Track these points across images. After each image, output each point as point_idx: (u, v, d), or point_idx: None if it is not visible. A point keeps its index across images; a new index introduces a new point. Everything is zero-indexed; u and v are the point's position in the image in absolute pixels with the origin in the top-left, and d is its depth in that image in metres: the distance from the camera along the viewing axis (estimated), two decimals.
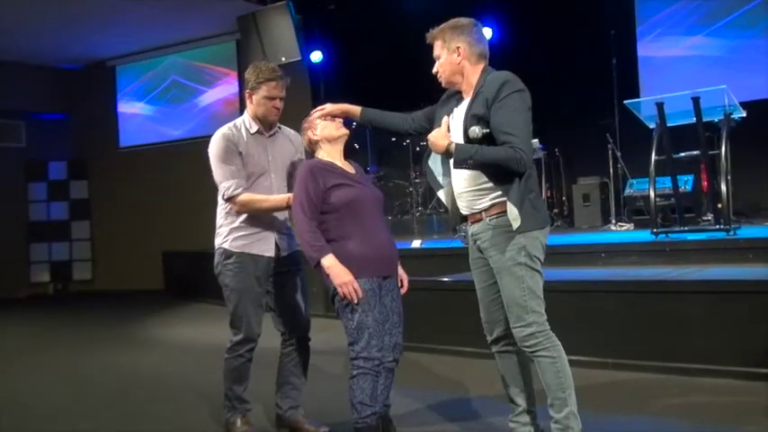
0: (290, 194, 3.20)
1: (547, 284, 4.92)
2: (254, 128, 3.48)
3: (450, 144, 2.82)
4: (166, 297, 10.11)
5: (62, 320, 9.21)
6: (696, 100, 5.62)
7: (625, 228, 7.59)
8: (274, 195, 3.37)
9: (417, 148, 10.32)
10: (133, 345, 6.32)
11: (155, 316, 8.33)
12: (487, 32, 9.66)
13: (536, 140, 8.55)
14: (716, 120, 5.88)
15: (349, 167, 3.16)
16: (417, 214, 9.89)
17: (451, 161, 2.86)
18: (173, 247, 10.77)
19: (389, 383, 3.07)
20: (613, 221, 7.84)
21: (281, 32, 9.74)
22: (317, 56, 10.41)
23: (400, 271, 3.21)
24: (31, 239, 12.78)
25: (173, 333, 5.47)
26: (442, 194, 3.17)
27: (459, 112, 2.97)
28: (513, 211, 2.77)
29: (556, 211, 9.04)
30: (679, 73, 8.41)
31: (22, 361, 6.21)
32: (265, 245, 3.43)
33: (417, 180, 10.16)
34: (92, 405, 3.91)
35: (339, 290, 2.89)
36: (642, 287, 4.64)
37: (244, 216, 3.40)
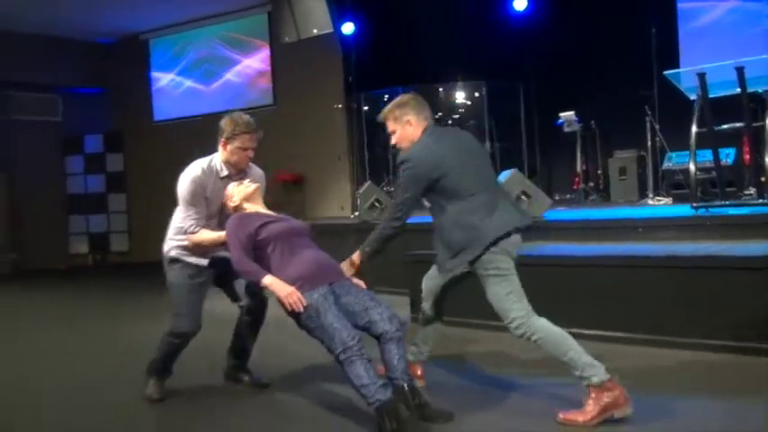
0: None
1: (582, 259, 4.90)
2: (225, 172, 3.76)
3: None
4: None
5: (100, 291, 9.41)
6: (740, 70, 5.43)
7: (663, 202, 7.44)
8: (216, 233, 3.66)
9: (449, 121, 10.20)
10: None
11: None
12: (522, 3, 9.48)
13: (571, 113, 8.40)
14: (760, 90, 5.68)
15: (270, 212, 3.63)
16: None
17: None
18: None
19: (402, 353, 3.20)
20: (651, 195, 7.68)
21: (313, 4, 9.67)
22: (348, 28, 10.32)
23: (354, 280, 3.47)
24: (69, 212, 13.03)
25: (207, 304, 5.56)
26: None
27: None
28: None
29: (591, 184, 8.89)
30: (721, 41, 8.13)
31: (63, 331, 6.36)
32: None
33: None
34: (132, 374, 3.98)
35: (285, 301, 3.16)
36: (682, 262, 4.53)
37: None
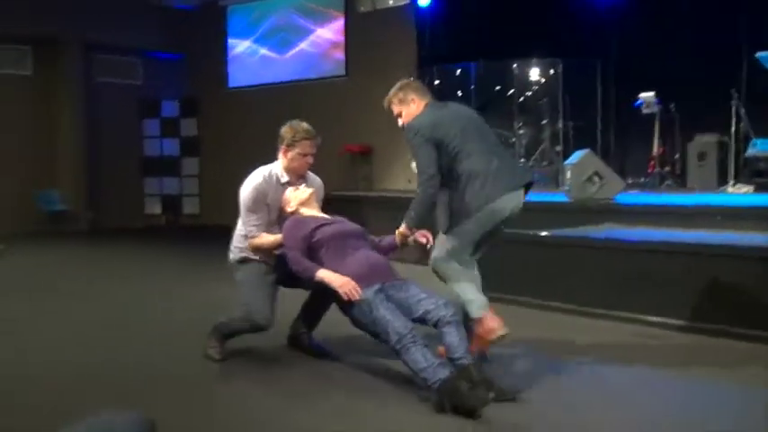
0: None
1: (654, 244, 4.76)
2: (285, 179, 3.91)
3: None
4: None
5: (173, 251, 9.72)
6: None
7: (744, 190, 7.12)
8: (275, 235, 3.80)
9: (522, 98, 10.02)
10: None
11: None
12: None
13: (651, 93, 8.10)
14: None
15: (326, 215, 3.78)
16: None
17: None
18: None
19: (462, 334, 3.24)
20: (731, 183, 7.36)
21: None
22: (424, 0, 10.20)
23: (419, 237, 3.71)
24: (145, 173, 13.47)
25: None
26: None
27: None
28: None
29: (667, 169, 8.58)
30: None
31: (137, 287, 6.61)
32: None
33: (521, 131, 9.90)
34: (199, 331, 4.11)
35: (341, 291, 3.29)
36: (762, 253, 4.35)
37: None
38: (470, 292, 3.68)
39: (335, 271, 3.42)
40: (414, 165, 3.90)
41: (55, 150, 12.39)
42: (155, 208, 13.56)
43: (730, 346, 4.10)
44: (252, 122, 12.51)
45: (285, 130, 3.90)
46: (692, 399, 3.20)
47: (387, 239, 3.83)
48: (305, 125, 3.91)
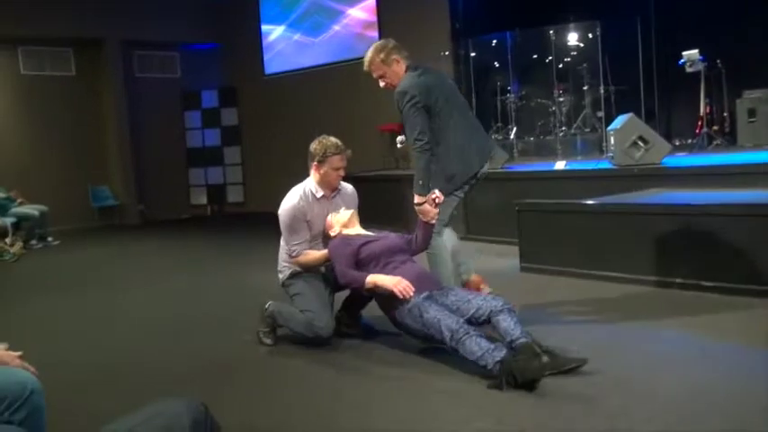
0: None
1: (704, 207, 4.64)
2: (320, 193, 3.99)
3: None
4: None
5: (220, 240, 9.90)
6: None
7: None
8: (321, 253, 3.93)
9: (561, 65, 9.82)
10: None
11: None
12: None
13: (695, 51, 7.84)
14: None
15: (368, 232, 3.91)
16: (561, 134, 9.49)
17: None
18: None
19: (515, 319, 3.27)
20: None
21: None
22: None
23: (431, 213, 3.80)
24: (189, 165, 13.71)
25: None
26: None
27: None
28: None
29: (715, 128, 8.33)
30: None
31: (191, 275, 6.77)
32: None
33: (561, 99, 9.71)
34: (251, 316, 4.20)
35: (396, 290, 3.39)
36: None
37: None
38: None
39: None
40: (400, 138, 4.17)
41: (103, 147, 12.71)
42: (200, 198, 13.80)
43: None
44: (290, 108, 12.59)
45: (315, 147, 3.95)
46: (754, 366, 3.13)
47: (419, 232, 3.88)
48: (333, 140, 3.97)
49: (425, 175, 3.83)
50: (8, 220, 9.01)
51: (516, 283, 5.20)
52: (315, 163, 3.95)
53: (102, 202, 12.56)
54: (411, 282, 3.47)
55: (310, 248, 3.97)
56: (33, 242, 9.48)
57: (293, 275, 4.03)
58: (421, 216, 3.81)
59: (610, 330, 3.86)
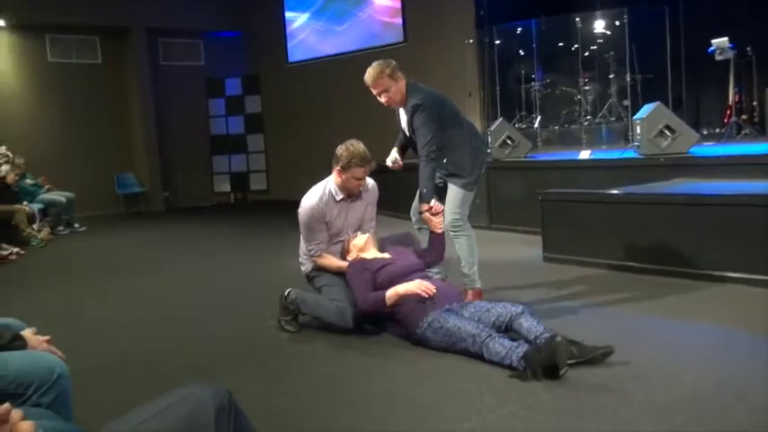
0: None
1: (732, 198, 4.57)
2: (340, 196, 4.01)
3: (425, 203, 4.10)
4: None
5: (245, 227, 9.97)
6: None
7: None
8: (341, 262, 4.00)
9: (587, 53, 9.70)
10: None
11: None
12: None
13: (725, 39, 7.70)
14: None
15: (384, 255, 3.94)
16: (586, 123, 9.40)
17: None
18: None
19: (537, 318, 3.30)
20: None
21: None
22: None
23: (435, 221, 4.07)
24: (213, 152, 13.79)
25: None
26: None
27: (402, 114, 4.32)
28: None
29: (744, 117, 8.18)
30: None
31: (216, 262, 6.83)
32: None
33: (587, 87, 9.60)
34: (272, 302, 4.23)
35: (419, 291, 3.52)
36: None
37: None
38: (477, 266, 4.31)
39: (405, 302, 3.55)
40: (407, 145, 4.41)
41: (129, 135, 12.84)
42: (224, 185, 13.89)
43: None
44: (313, 96, 12.59)
45: (342, 152, 3.91)
46: None
47: (432, 243, 4.07)
48: (361, 150, 3.91)
49: (430, 184, 4.06)
50: (36, 207, 9.14)
51: (539, 274, 5.17)
52: (338, 168, 3.94)
53: (127, 189, 12.70)
54: (436, 300, 3.52)
55: (329, 248, 4.05)
56: (60, 228, 9.63)
57: (318, 268, 4.08)
58: (428, 224, 4.05)
59: (634, 320, 3.83)
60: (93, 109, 12.34)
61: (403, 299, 3.57)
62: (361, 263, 3.85)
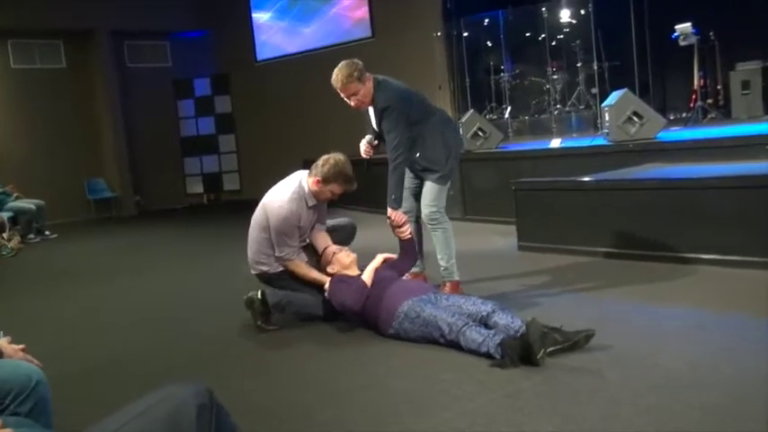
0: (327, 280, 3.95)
1: (699, 181, 4.65)
2: (312, 202, 4.07)
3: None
4: None
5: (218, 229, 9.90)
6: None
7: None
8: (317, 275, 4.03)
9: (554, 42, 9.78)
10: None
11: None
12: None
13: (688, 24, 7.82)
14: None
15: (356, 271, 3.94)
16: (555, 112, 9.49)
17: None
18: (312, 155, 11.09)
19: (509, 314, 3.30)
20: None
21: None
22: None
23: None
24: (184, 154, 13.67)
25: None
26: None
27: (372, 111, 4.22)
28: None
29: (709, 101, 8.32)
30: None
31: (189, 265, 6.78)
32: None
33: (555, 76, 9.68)
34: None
35: (385, 257, 3.89)
36: None
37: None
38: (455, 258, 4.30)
39: (381, 299, 3.61)
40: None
41: (98, 140, 12.66)
42: (196, 187, 13.78)
43: None
44: (283, 94, 12.53)
45: (326, 166, 3.97)
46: (753, 337, 3.15)
47: (404, 249, 4.11)
48: (347, 170, 3.98)
49: (398, 191, 4.05)
50: (5, 215, 8.99)
51: (515, 263, 5.22)
52: (318, 177, 3.97)
53: (98, 195, 12.54)
54: (406, 290, 3.61)
55: (299, 253, 4.07)
56: (31, 236, 9.48)
57: (280, 272, 4.11)
58: (394, 233, 4.07)
59: (611, 306, 3.89)
60: (59, 115, 12.14)
61: (377, 280, 3.70)
62: (341, 277, 3.87)
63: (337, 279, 3.88)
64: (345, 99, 4.10)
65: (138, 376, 3.46)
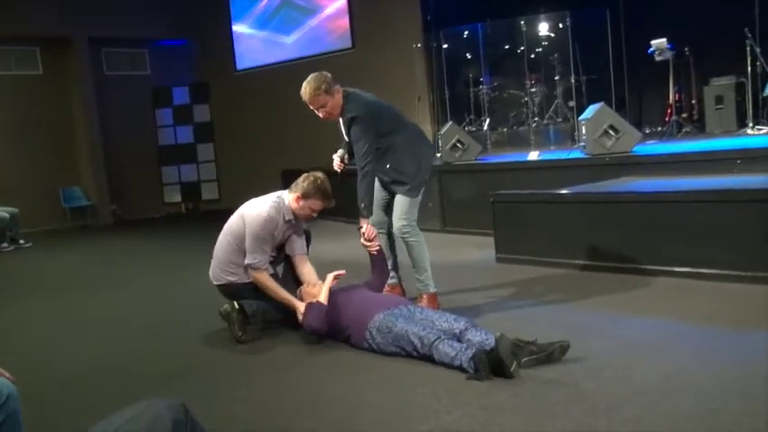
0: (300, 305, 3.91)
1: (674, 194, 4.72)
2: (288, 217, 4.11)
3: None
4: None
5: (193, 239, 9.81)
6: None
7: (764, 131, 7.00)
8: (286, 295, 4.00)
9: (532, 55, 9.89)
10: None
11: None
12: None
13: (663, 40, 7.95)
14: None
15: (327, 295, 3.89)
16: (533, 125, 9.58)
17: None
18: (291, 165, 11.10)
19: (483, 331, 3.29)
20: (750, 125, 7.24)
21: None
22: None
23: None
24: (162, 163, 13.57)
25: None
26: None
27: (341, 123, 4.25)
28: None
29: (684, 116, 8.45)
30: None
31: (163, 275, 6.72)
32: None
33: (533, 89, 9.78)
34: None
35: (335, 275, 3.89)
36: None
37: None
38: (430, 270, 4.28)
39: (350, 314, 3.66)
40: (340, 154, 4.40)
41: (74, 147, 12.53)
42: (174, 196, 13.68)
43: (753, 290, 4.08)
44: (262, 103, 12.51)
45: (306, 183, 4.06)
46: (728, 348, 3.20)
47: (374, 264, 4.16)
48: (326, 187, 4.08)
49: (368, 199, 4.07)
50: None
51: (492, 275, 5.24)
52: (298, 194, 4.05)
53: (73, 203, 12.39)
54: (377, 303, 3.64)
55: (266, 264, 4.07)
56: (5, 245, 9.34)
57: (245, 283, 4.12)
58: (364, 247, 4.08)
59: (586, 317, 3.92)
60: (35, 121, 11.99)
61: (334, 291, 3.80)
62: (321, 308, 3.83)
63: (307, 305, 3.89)
64: (315, 111, 4.15)
65: (113, 389, 3.41)
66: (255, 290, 4.08)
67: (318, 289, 3.93)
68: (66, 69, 12.34)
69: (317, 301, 3.79)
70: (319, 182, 4.06)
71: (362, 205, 4.06)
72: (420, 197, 4.29)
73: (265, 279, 4.04)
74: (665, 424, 2.44)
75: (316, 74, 4.11)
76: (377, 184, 4.25)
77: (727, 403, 2.56)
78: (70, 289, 6.37)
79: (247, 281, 4.10)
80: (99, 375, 3.69)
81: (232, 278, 4.14)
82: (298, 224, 4.21)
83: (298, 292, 4.08)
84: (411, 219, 4.23)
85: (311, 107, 4.12)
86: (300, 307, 3.88)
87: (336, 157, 4.41)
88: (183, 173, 13.63)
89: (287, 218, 4.08)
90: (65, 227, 12.07)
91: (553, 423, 2.53)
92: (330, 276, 3.91)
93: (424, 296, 4.28)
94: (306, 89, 4.06)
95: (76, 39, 12.08)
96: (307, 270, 4.18)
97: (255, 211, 4.04)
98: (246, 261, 4.04)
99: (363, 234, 4.09)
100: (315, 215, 4.17)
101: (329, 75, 4.11)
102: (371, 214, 4.11)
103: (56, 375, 3.72)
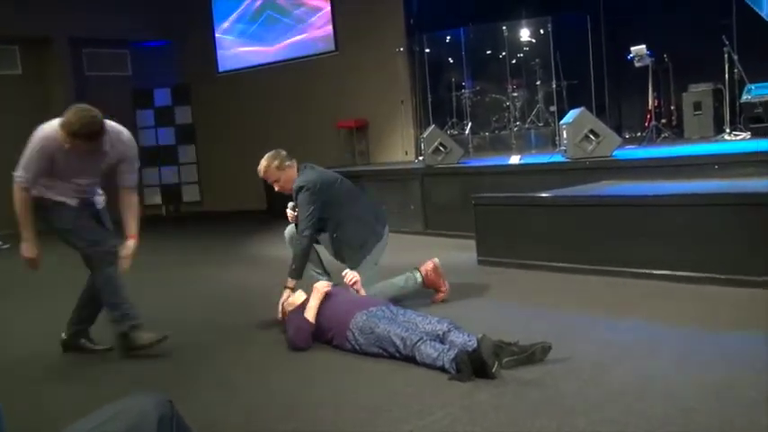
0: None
1: (653, 198, 4.79)
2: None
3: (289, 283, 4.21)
4: (269, 217, 10.50)
5: (174, 241, 9.77)
6: None
7: (741, 137, 7.12)
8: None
9: (514, 60, 9.97)
10: (243, 262, 6.70)
11: (259, 235, 8.74)
12: None
13: (642, 46, 8.05)
14: None
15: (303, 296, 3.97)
16: (515, 129, 9.64)
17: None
18: None
19: (465, 332, 3.33)
20: (727, 131, 7.36)
21: None
22: None
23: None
24: (142, 164, 13.42)
25: (274, 251, 5.90)
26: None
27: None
28: None
29: (663, 121, 8.56)
30: None
31: (149, 277, 6.66)
32: None
33: (515, 94, 9.86)
34: (212, 316, 4.18)
35: (323, 290, 3.81)
36: (761, 200, 4.37)
37: None
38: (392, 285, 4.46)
39: (335, 313, 3.67)
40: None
41: None
42: (155, 198, 13.56)
43: (730, 293, 4.15)
44: (244, 105, 12.48)
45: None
46: (705, 352, 3.25)
47: None
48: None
49: (299, 263, 4.26)
50: None
51: (474, 277, 5.28)
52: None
53: None
54: (358, 304, 3.69)
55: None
56: None
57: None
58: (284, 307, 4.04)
59: (567, 320, 3.96)
60: (13, 122, 11.83)
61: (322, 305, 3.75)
62: (292, 313, 3.87)
63: (288, 318, 3.88)
64: (271, 184, 4.53)
65: (97, 388, 3.40)
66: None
67: (299, 299, 3.95)
68: (45, 69, 12.20)
69: (305, 319, 3.73)
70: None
71: (293, 266, 4.24)
72: (371, 261, 4.46)
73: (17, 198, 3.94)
74: (642, 424, 2.48)
75: (272, 152, 4.49)
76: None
77: (702, 405, 2.60)
78: (49, 292, 6.29)
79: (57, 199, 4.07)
80: (78, 376, 3.66)
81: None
82: (121, 154, 4.13)
83: (280, 305, 4.05)
84: (366, 284, 4.28)
85: (267, 181, 4.51)
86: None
87: (289, 210, 4.59)
88: (163, 175, 13.53)
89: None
90: (43, 229, 11.90)
91: (534, 423, 2.56)
92: (320, 293, 3.82)
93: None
94: (261, 165, 4.45)
95: (57, 38, 11.95)
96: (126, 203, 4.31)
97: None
98: (15, 173, 3.97)
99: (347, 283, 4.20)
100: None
101: (284, 152, 4.49)
102: (300, 278, 4.23)
103: (34, 375, 3.67)
